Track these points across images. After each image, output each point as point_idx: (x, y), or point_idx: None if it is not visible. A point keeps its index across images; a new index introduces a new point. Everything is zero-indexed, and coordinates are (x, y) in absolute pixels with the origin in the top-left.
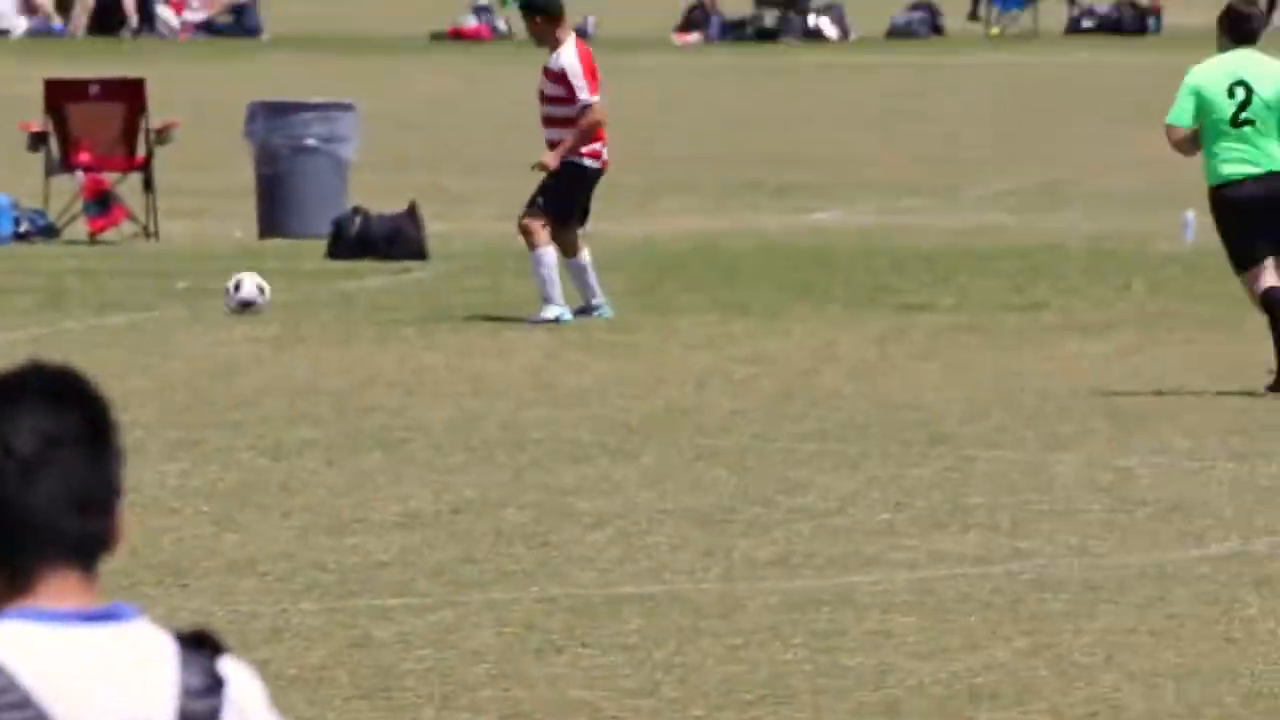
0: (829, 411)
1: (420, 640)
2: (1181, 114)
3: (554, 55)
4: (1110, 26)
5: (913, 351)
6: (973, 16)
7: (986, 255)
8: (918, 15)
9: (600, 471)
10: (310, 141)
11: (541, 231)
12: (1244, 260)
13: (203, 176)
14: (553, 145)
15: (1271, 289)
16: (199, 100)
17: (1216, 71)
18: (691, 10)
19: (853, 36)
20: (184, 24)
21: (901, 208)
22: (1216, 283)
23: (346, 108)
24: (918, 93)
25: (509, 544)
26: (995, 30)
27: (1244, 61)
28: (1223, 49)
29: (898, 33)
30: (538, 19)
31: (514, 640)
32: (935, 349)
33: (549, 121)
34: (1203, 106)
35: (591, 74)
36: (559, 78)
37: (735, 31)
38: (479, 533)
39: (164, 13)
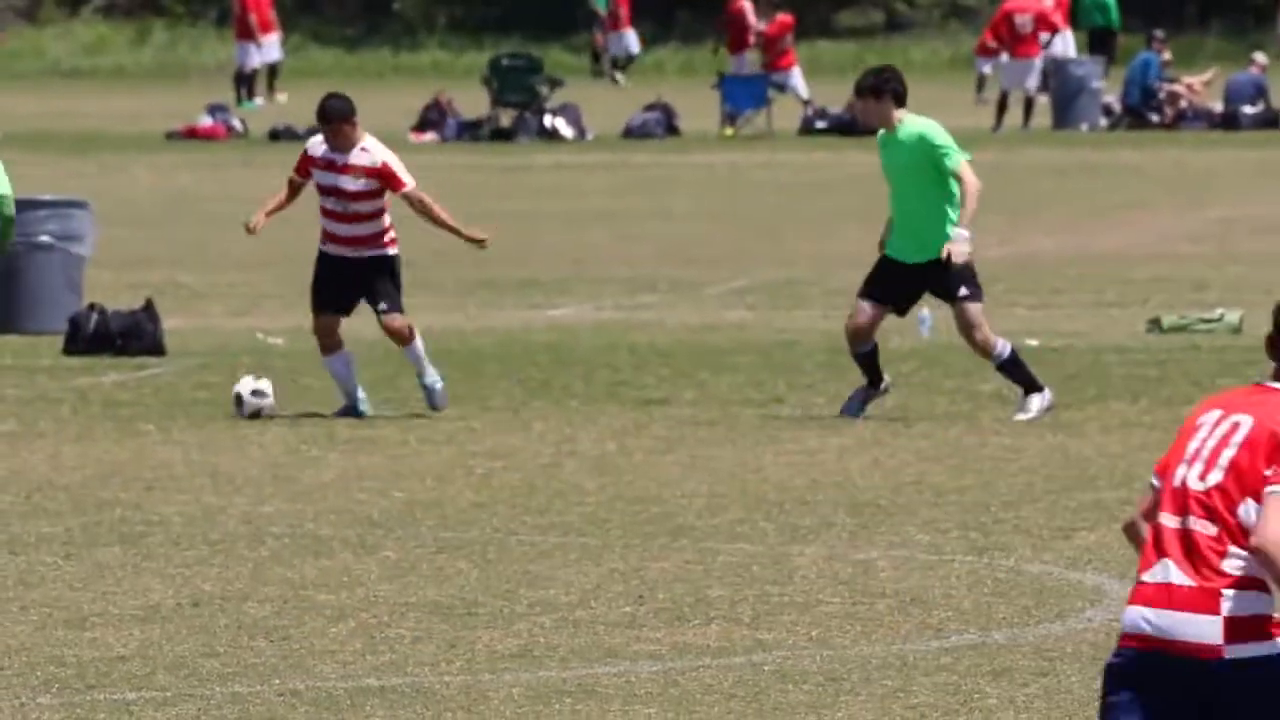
0: (570, 505)
1: None
2: None
3: (357, 151)
4: (844, 127)
5: (653, 446)
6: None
7: (725, 351)
8: (653, 116)
9: (341, 565)
10: (44, 239)
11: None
12: None
13: None
14: (359, 242)
15: None
16: None
17: None
18: (427, 109)
19: (589, 136)
20: None
21: (640, 304)
22: (953, 378)
23: (80, 205)
24: (655, 191)
25: (250, 637)
26: (730, 131)
27: None
28: None
29: (634, 133)
30: (346, 126)
31: None
32: (675, 443)
33: (358, 218)
34: None
35: None
36: (375, 173)
37: (472, 131)
38: (219, 626)
39: None
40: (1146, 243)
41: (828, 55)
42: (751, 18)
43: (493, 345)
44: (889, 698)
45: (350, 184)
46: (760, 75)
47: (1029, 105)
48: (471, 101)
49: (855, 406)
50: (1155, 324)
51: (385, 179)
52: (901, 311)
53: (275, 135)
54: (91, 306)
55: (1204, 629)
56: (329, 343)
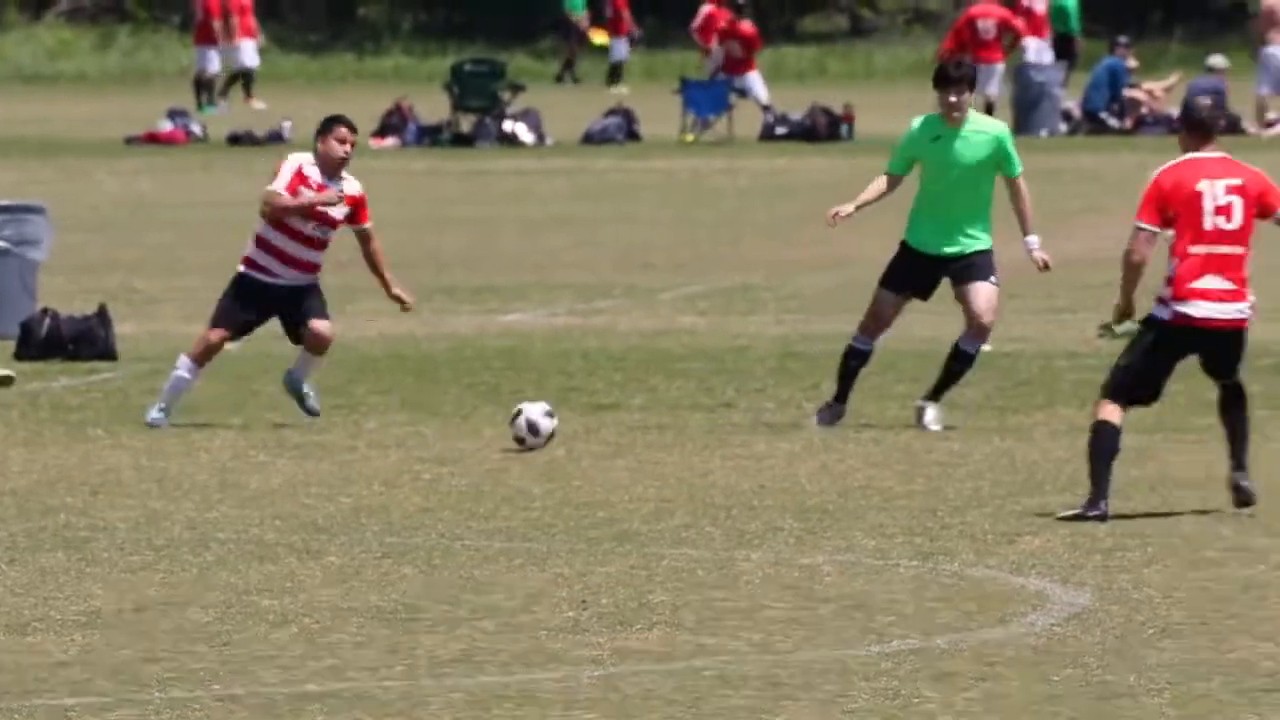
0: (517, 510)
1: None
2: None
3: (347, 179)
4: (803, 133)
5: (601, 451)
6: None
7: (677, 356)
8: (613, 121)
9: (286, 570)
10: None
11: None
12: None
13: None
14: (314, 268)
15: None
16: None
17: None
18: (388, 115)
19: (549, 142)
20: None
21: (595, 309)
22: (903, 383)
23: (37, 210)
24: (615, 196)
25: (191, 642)
26: (690, 136)
27: None
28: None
29: (594, 138)
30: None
31: None
32: (624, 448)
33: (324, 245)
34: None
35: None
36: (355, 201)
37: (432, 136)
38: (160, 631)
39: None
40: (1103, 248)
41: (791, 60)
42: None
43: (446, 351)
44: (829, 703)
45: (338, 212)
46: (721, 81)
47: (989, 110)
48: (434, 107)
49: (827, 418)
50: (1107, 329)
51: (359, 209)
52: (925, 296)
53: (235, 140)
54: (45, 311)
55: None
56: (209, 358)
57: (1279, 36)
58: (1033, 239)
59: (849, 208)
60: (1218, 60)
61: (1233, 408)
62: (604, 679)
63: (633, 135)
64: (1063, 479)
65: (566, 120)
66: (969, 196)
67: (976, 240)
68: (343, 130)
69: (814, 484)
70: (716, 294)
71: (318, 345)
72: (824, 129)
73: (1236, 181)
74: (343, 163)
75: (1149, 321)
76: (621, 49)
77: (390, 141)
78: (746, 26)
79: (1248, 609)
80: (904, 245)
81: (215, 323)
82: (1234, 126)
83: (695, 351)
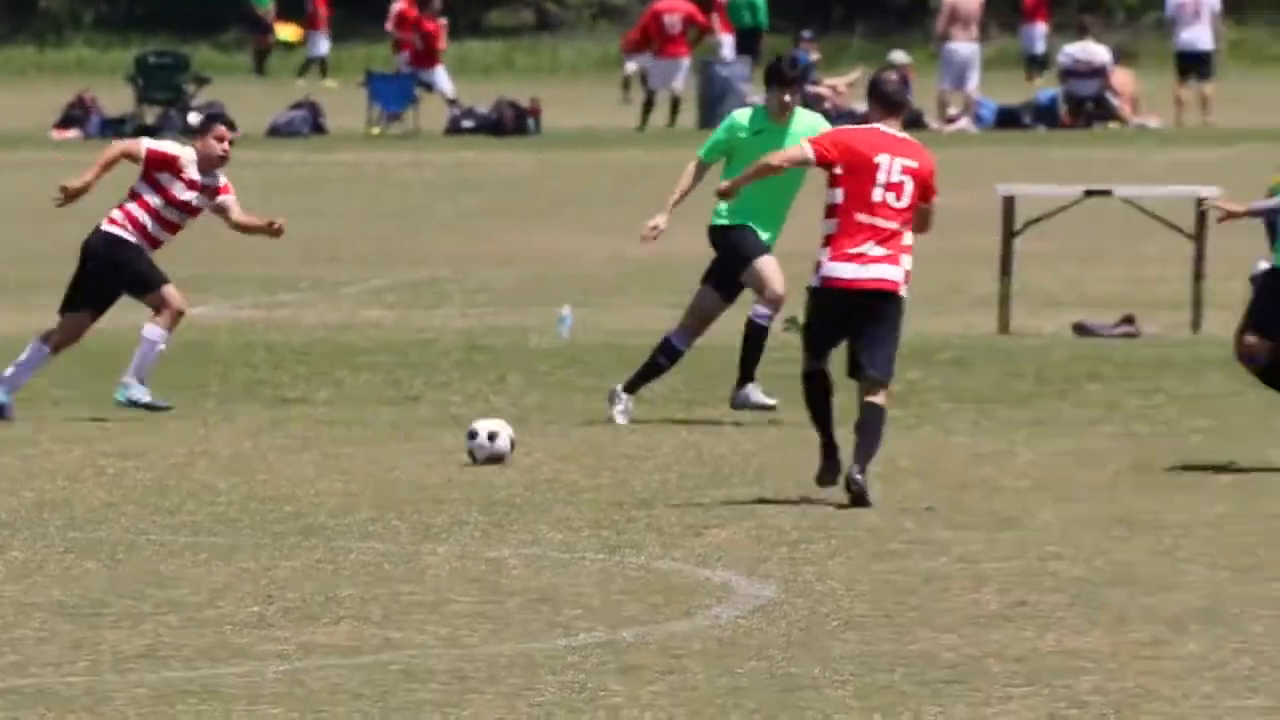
0: (202, 504)
1: None
2: None
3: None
4: (490, 127)
5: (287, 445)
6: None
7: (363, 350)
8: (299, 114)
9: None
10: None
11: None
12: None
13: None
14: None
15: None
16: None
17: None
18: (71, 107)
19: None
20: None
21: (280, 302)
22: (590, 377)
23: None
24: (301, 190)
25: None
26: (376, 130)
27: None
28: None
29: (280, 131)
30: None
31: None
32: (310, 442)
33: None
34: None
35: None
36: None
37: (115, 128)
38: None
39: None
40: (795, 241)
41: (477, 54)
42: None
43: (128, 346)
44: (515, 696)
45: (206, 203)
46: (407, 74)
47: (675, 105)
48: (118, 99)
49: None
50: (793, 322)
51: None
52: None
53: None
54: None
55: None
56: (75, 342)
57: (960, 33)
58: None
59: (662, 218)
60: (899, 56)
61: (869, 420)
62: (290, 673)
63: (318, 128)
64: (750, 472)
65: (252, 113)
66: (784, 189)
67: (777, 231)
68: (221, 129)
69: (500, 478)
70: (402, 287)
71: (180, 316)
72: (511, 123)
73: (913, 164)
74: (222, 160)
75: (809, 291)
76: (323, 43)
77: (72, 133)
78: (430, 22)
79: (929, 601)
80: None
81: (80, 309)
82: (916, 121)
83: (381, 345)
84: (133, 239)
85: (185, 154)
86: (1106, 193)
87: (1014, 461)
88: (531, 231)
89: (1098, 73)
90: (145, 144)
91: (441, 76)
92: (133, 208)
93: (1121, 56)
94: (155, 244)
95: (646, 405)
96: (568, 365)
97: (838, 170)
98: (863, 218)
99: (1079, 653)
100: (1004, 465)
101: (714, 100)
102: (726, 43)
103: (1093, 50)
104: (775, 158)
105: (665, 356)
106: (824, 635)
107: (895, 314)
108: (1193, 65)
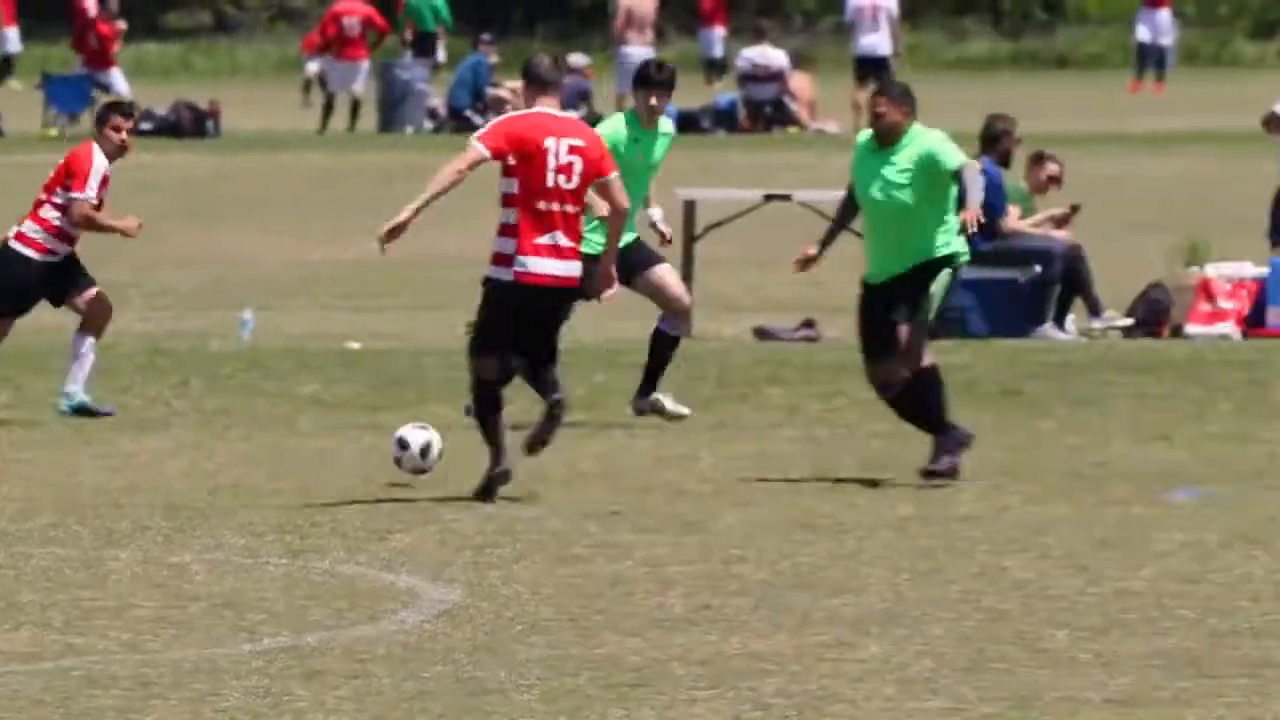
0: None
1: None
2: None
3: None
4: (169, 129)
5: None
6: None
7: (43, 354)
8: None
9: None
10: None
11: None
12: None
13: None
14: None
15: None
16: None
17: None
18: None
19: None
20: None
21: None
22: (273, 380)
23: None
24: None
25: None
26: (54, 131)
27: None
28: None
29: None
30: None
31: None
32: None
33: None
34: None
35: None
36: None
37: None
38: None
39: None
40: (471, 247)
41: (154, 57)
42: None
43: None
44: (199, 701)
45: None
46: (83, 75)
47: (355, 108)
48: None
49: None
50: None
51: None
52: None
53: None
54: None
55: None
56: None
57: (636, 37)
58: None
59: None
60: (578, 58)
61: (549, 422)
62: None
63: None
64: (436, 475)
65: None
66: (643, 192)
67: (634, 230)
68: (117, 118)
69: (182, 482)
70: None
71: (103, 312)
72: (190, 125)
73: (579, 142)
74: (122, 149)
75: (485, 283)
76: (13, 41)
77: None
78: (105, 24)
79: (615, 604)
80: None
81: (12, 315)
82: (596, 123)
83: (61, 349)
84: None
85: (102, 161)
86: (786, 197)
87: (697, 465)
88: (211, 234)
89: (776, 77)
90: (89, 197)
91: (118, 78)
92: None
93: (799, 61)
94: (73, 241)
95: (329, 410)
96: (249, 369)
97: (511, 160)
98: (542, 205)
99: (763, 655)
100: (687, 469)
101: (394, 103)
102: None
103: (771, 55)
104: (452, 167)
105: (668, 348)
106: (510, 639)
107: (572, 307)
108: (871, 70)
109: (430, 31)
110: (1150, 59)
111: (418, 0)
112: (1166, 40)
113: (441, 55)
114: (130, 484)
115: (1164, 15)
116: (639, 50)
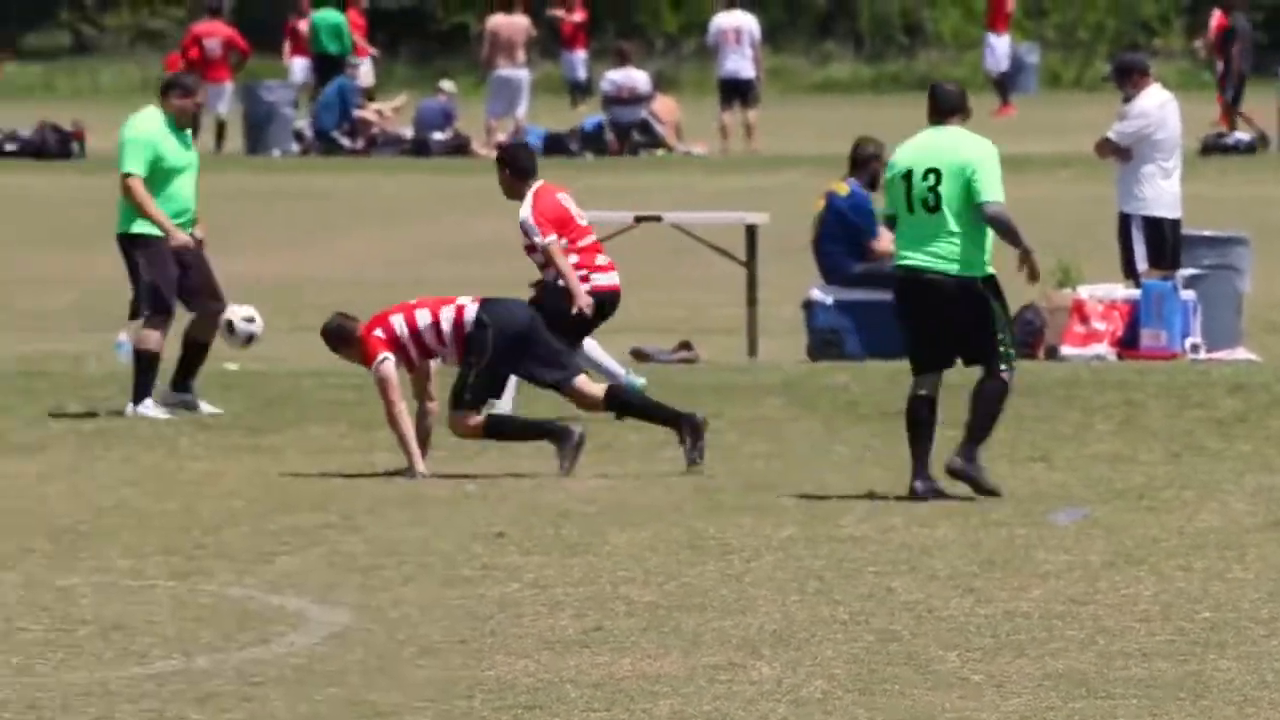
0: None
1: None
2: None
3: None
4: (34, 151)
5: None
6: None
7: None
8: None
9: None
10: None
11: None
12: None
13: None
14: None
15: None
16: None
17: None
18: None
19: None
20: None
21: None
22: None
23: None
24: None
25: None
26: None
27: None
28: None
29: None
30: (506, 172)
31: None
32: None
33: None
34: None
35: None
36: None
37: None
38: None
39: None
40: (342, 267)
41: (17, 77)
42: None
43: None
44: None
45: None
46: None
47: (221, 129)
48: None
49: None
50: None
51: None
52: None
53: None
54: None
55: None
56: None
57: (505, 61)
58: None
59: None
60: (447, 85)
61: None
62: None
63: None
64: (316, 497)
65: None
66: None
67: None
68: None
69: (64, 504)
70: None
71: None
72: (55, 146)
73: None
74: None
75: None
76: None
77: None
78: None
79: (505, 626)
80: None
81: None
82: (464, 148)
83: None
84: None
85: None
86: (657, 218)
87: (580, 486)
88: (81, 256)
89: (641, 99)
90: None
91: None
92: None
93: (663, 83)
94: None
95: (210, 431)
96: (126, 391)
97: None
98: None
99: (655, 677)
100: (572, 490)
101: (259, 124)
102: (365, 65)
103: (635, 77)
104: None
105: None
106: (401, 662)
107: None
108: (735, 92)
109: (335, 55)
110: (1004, 84)
111: (319, 21)
112: (1006, 66)
113: (370, 77)
114: (11, 506)
115: (1004, 42)
116: (511, 72)
